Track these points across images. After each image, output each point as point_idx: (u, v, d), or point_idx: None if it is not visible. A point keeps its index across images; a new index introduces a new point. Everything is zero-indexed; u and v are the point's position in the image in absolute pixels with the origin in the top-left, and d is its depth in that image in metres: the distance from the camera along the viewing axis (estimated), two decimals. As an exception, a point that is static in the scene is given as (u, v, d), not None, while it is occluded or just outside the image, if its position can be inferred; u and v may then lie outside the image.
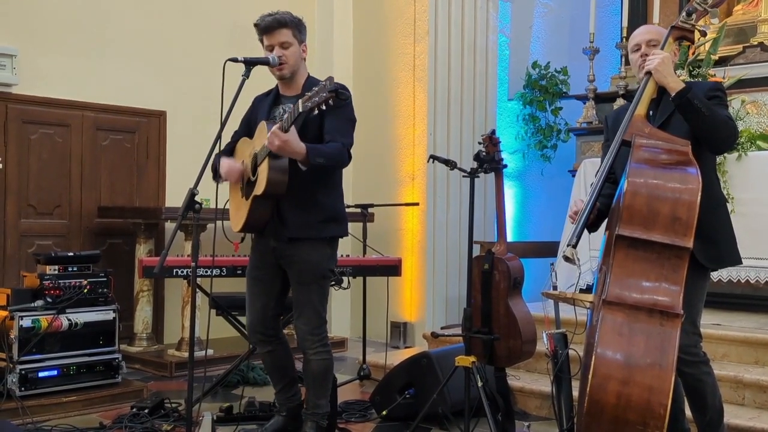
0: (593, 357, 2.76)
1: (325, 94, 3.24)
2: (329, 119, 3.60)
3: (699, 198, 2.87)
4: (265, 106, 3.83)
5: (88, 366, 4.71)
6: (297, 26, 3.73)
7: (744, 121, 5.70)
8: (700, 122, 3.06)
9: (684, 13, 3.28)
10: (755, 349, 4.58)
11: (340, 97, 3.28)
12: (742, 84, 5.94)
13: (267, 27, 3.69)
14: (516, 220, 8.00)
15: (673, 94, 3.08)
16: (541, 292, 3.52)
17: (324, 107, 3.27)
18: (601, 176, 3.19)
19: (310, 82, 3.75)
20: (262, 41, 3.75)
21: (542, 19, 8.25)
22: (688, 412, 3.34)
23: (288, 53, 3.69)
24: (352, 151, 3.74)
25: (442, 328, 6.38)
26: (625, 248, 2.89)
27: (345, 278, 5.13)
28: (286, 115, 3.45)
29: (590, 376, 2.74)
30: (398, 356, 5.46)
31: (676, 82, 3.11)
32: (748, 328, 4.82)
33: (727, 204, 3.35)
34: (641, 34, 3.36)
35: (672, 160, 2.98)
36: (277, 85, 3.88)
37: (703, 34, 3.45)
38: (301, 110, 3.31)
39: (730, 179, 5.16)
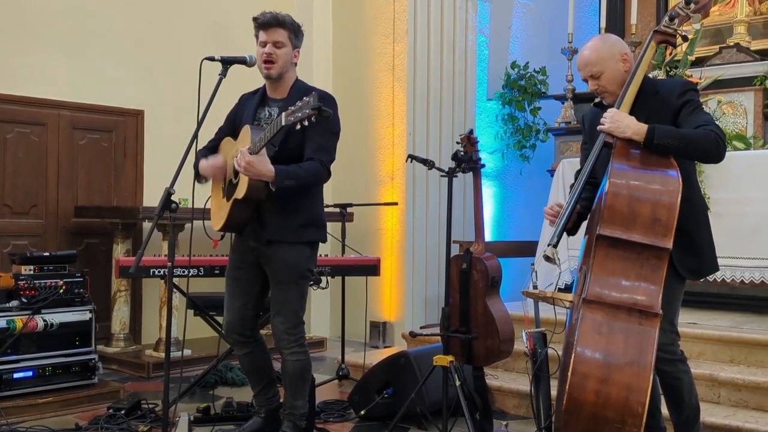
0: (573, 355, 2.77)
1: (307, 111, 3.24)
2: (312, 133, 3.60)
3: (679, 199, 2.89)
4: (251, 106, 3.83)
5: (64, 367, 4.66)
6: (294, 30, 3.75)
7: (720, 122, 5.73)
8: (682, 154, 3.06)
9: (667, 18, 3.27)
10: (730, 348, 4.62)
11: (323, 114, 3.27)
12: (719, 84, 5.98)
13: (265, 23, 3.70)
14: (495, 219, 8.02)
15: (643, 145, 3.04)
16: (521, 291, 3.52)
17: (306, 123, 3.27)
18: (583, 178, 3.20)
19: (297, 86, 3.77)
20: (257, 36, 3.76)
21: (521, 19, 8.27)
22: (664, 410, 3.36)
23: (279, 53, 3.69)
24: (335, 153, 3.75)
25: (421, 328, 6.39)
26: (606, 248, 2.92)
27: (324, 278, 5.12)
28: (259, 137, 3.44)
29: (569, 374, 2.76)
30: (377, 356, 5.45)
31: (637, 132, 3.03)
32: (724, 327, 4.86)
33: (707, 211, 3.35)
34: (581, 68, 3.32)
35: (652, 162, 3.01)
36: (264, 85, 3.88)
37: (684, 38, 3.43)
38: (284, 123, 3.31)
39: (706, 179, 5.20)
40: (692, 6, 3.30)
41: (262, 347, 3.95)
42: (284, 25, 3.70)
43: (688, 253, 3.11)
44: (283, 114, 3.32)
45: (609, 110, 3.15)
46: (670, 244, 2.87)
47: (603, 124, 3.12)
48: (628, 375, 2.73)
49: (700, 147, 3.03)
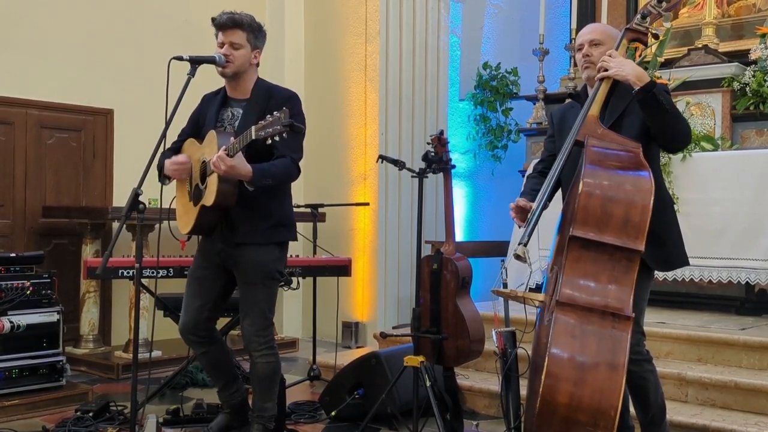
0: (546, 358, 2.77)
1: (278, 127, 3.25)
2: None
3: (651, 201, 2.89)
4: (214, 107, 3.80)
5: (31, 369, 4.61)
6: (253, 31, 3.69)
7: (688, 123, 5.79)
8: (662, 118, 3.04)
9: (639, 16, 3.30)
10: (698, 347, 4.66)
11: (294, 130, 3.29)
12: (687, 86, 6.03)
13: (222, 24, 3.66)
14: (467, 219, 8.04)
15: (636, 89, 3.03)
16: (491, 289, 3.53)
17: (277, 138, 3.27)
18: (553, 176, 3.20)
19: (260, 86, 3.75)
20: (217, 36, 3.72)
21: (493, 20, 8.30)
22: (631, 409, 3.39)
23: (236, 54, 3.65)
24: (303, 150, 3.74)
25: (393, 328, 6.39)
26: (578, 249, 2.90)
27: (295, 279, 5.10)
28: (232, 143, 3.41)
29: (543, 377, 2.75)
30: (349, 356, 5.45)
31: (638, 77, 3.05)
32: (692, 327, 4.90)
33: (674, 205, 3.40)
34: (585, 34, 3.38)
35: (625, 163, 3.00)
36: (225, 86, 3.84)
37: (656, 36, 3.48)
38: (254, 137, 3.30)
39: (675, 180, 5.25)
40: (664, 4, 3.32)
41: (219, 345, 3.93)
42: (241, 26, 3.65)
43: (655, 244, 3.11)
44: (254, 127, 3.31)
45: (609, 52, 3.18)
46: (642, 246, 2.87)
47: (606, 69, 3.12)
48: (600, 378, 2.73)
49: (679, 126, 3.09)
